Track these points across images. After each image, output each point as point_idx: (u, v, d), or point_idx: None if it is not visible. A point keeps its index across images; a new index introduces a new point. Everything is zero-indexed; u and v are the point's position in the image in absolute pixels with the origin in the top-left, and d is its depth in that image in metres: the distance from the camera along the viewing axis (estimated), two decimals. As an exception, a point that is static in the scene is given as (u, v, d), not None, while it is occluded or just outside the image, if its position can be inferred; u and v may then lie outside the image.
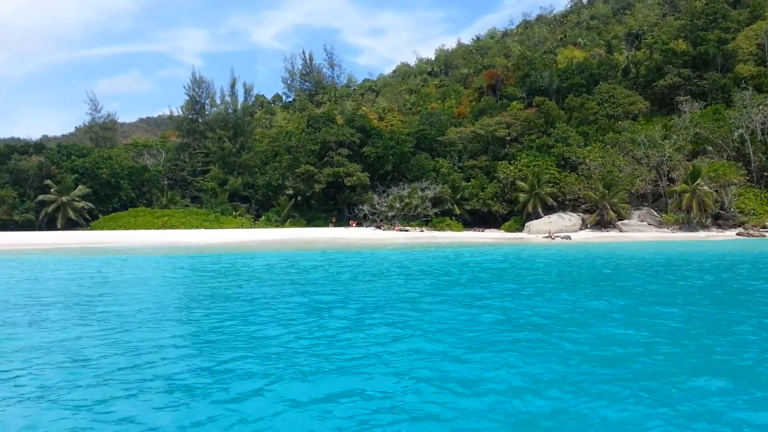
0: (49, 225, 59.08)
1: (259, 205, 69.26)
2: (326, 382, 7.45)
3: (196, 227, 57.91)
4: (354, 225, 60.30)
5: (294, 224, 61.00)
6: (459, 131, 66.84)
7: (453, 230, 55.84)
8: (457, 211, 58.88)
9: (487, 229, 57.43)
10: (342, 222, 62.14)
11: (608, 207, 51.69)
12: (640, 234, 47.30)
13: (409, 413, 6.42)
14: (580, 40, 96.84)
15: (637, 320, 11.65)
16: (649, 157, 54.05)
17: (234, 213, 65.56)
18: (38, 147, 67.71)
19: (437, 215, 58.59)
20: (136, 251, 33.73)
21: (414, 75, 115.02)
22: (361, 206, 60.39)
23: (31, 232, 54.86)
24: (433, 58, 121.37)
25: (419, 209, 57.69)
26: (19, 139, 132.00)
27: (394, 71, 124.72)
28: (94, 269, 23.38)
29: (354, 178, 59.21)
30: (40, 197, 59.00)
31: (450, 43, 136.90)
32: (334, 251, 33.09)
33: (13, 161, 60.79)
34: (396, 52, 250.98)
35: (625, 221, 51.28)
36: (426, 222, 58.09)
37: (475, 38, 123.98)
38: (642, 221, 51.38)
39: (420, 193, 58.30)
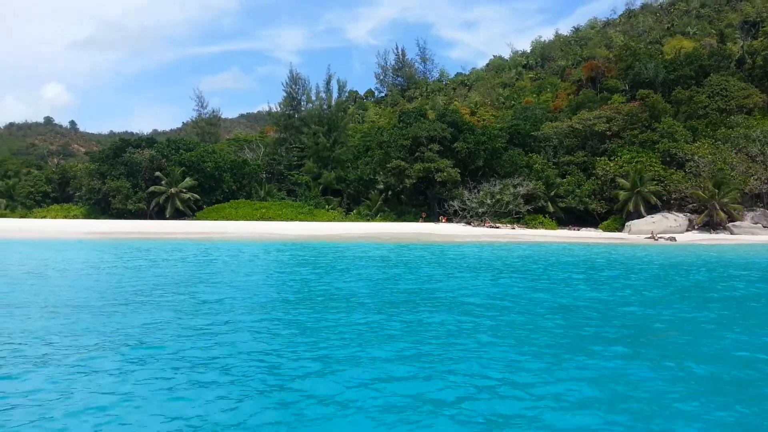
0: (159, 214, 63.48)
1: (351, 199, 70.62)
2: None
3: (291, 219, 60.03)
4: (444, 221, 60.05)
5: (384, 218, 61.67)
6: (555, 126, 64.67)
7: (546, 228, 54.19)
8: (551, 209, 57.07)
9: (583, 228, 55.24)
10: (432, 218, 62.05)
11: (718, 207, 48.09)
12: (753, 237, 43.67)
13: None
14: (689, 29, 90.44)
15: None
16: (765, 154, 49.70)
17: (326, 206, 67.27)
18: (150, 141, 72.80)
19: (529, 212, 57.09)
20: (237, 238, 35.52)
21: (508, 68, 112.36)
22: (451, 202, 59.98)
23: (143, 220, 59.15)
24: (528, 51, 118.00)
25: (511, 206, 56.46)
26: (132, 134, 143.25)
27: (488, 65, 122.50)
28: (220, 254, 24.89)
29: (444, 173, 58.89)
30: (151, 188, 63.48)
31: (547, 35, 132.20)
32: (432, 245, 33.15)
33: (127, 154, 65.65)
34: (489, 45, 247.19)
35: (736, 223, 47.54)
36: (517, 219, 56.76)
37: (574, 29, 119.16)
38: (756, 223, 47.44)
39: (512, 190, 57.03)
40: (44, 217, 63.51)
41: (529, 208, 57.01)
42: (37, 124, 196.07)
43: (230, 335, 9.61)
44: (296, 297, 14.11)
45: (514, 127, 66.47)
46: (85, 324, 10.24)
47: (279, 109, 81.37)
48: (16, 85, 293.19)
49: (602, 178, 55.36)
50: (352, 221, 61.12)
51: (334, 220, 61.96)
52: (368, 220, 61.46)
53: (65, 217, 63.35)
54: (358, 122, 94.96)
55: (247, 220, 58.94)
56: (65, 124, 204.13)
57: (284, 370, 7.69)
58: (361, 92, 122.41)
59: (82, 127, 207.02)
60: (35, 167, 78.95)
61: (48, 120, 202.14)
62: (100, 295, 13.70)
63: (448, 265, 23.30)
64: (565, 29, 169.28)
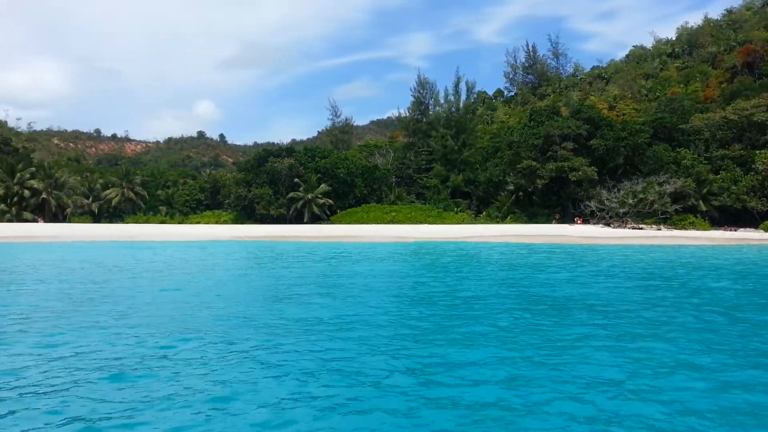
0: (297, 219, 67.17)
1: (480, 201, 69.73)
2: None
3: (421, 222, 60.58)
4: (579, 222, 57.19)
5: (514, 220, 60.10)
6: (706, 117, 59.05)
7: (698, 229, 49.55)
8: (703, 208, 52.18)
9: (741, 229, 49.73)
10: (566, 219, 59.38)
11: None
12: None
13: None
14: None
15: None
16: None
17: (455, 209, 67.00)
18: (289, 150, 77.27)
19: (678, 212, 52.58)
20: (372, 240, 36.48)
21: (651, 58, 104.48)
22: (587, 202, 56.98)
23: (285, 225, 62.93)
24: (673, 38, 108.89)
25: (656, 205, 52.36)
26: (273, 144, 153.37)
27: (627, 55, 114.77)
28: (354, 253, 25.88)
29: (579, 172, 56.11)
30: (290, 194, 67.33)
31: (695, 20, 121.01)
32: (577, 246, 31.69)
33: (269, 163, 70.20)
34: (629, 35, 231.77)
35: None
36: (664, 220, 52.51)
37: (726, 12, 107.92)
38: None
39: (657, 188, 52.88)
40: (198, 222, 69.90)
41: (677, 207, 52.53)
42: (191, 138, 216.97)
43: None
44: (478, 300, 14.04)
45: (659, 120, 61.64)
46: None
47: (407, 114, 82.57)
48: (174, 104, 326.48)
49: (763, 173, 49.56)
50: (482, 223, 60.27)
51: (462, 222, 61.53)
52: (498, 222, 60.26)
53: (216, 222, 69.24)
54: (487, 123, 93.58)
55: (378, 223, 60.41)
56: (215, 137, 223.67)
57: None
58: (490, 92, 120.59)
59: (230, 139, 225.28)
60: (190, 177, 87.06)
61: (200, 134, 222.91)
62: (314, 284, 14.63)
63: (627, 273, 22.03)
64: (715, 13, 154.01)
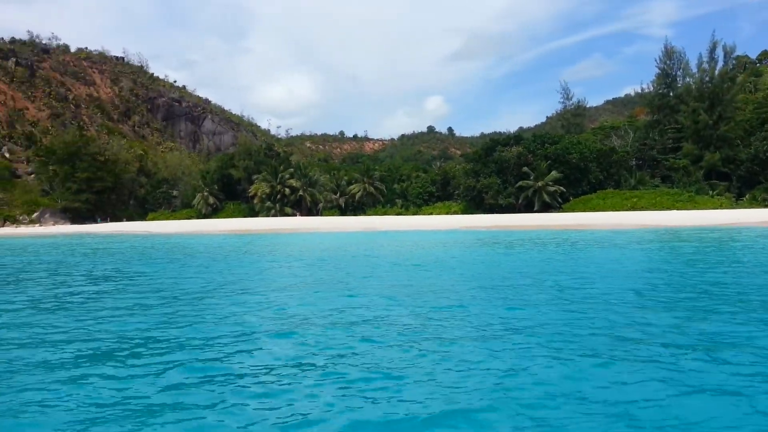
0: (527, 208, 65.67)
1: (742, 182, 59.96)
2: None
3: (668, 208, 54.39)
4: None
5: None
6: None
7: None
8: None
9: None
10: None
11: None
12: None
13: None
14: None
15: None
16: None
17: (711, 192, 58.73)
18: (516, 138, 75.94)
19: None
20: (611, 226, 33.85)
21: None
22: None
23: (513, 214, 62.08)
24: None
25: None
26: (500, 133, 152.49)
27: None
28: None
29: None
30: (519, 183, 66.07)
31: None
32: None
33: (497, 153, 69.86)
34: None
35: None
36: None
37: None
38: None
39: None
40: (430, 213, 72.82)
41: None
42: (421, 133, 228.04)
43: None
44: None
45: None
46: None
47: (650, 88, 74.79)
48: (406, 102, 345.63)
49: None
50: (745, 208, 51.67)
51: (721, 207, 53.56)
52: (767, 206, 51.09)
53: (446, 213, 71.35)
54: (750, 92, 79.91)
55: (616, 210, 55.90)
56: (443, 130, 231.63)
57: None
58: (753, 56, 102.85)
59: (457, 131, 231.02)
60: (422, 171, 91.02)
61: (430, 129, 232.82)
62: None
63: None
64: None
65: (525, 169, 66.00)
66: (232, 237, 40.75)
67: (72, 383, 6.19)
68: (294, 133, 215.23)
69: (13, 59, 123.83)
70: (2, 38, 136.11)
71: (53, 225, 76.45)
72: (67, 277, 17.15)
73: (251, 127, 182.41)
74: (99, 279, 16.27)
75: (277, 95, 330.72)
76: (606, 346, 7.20)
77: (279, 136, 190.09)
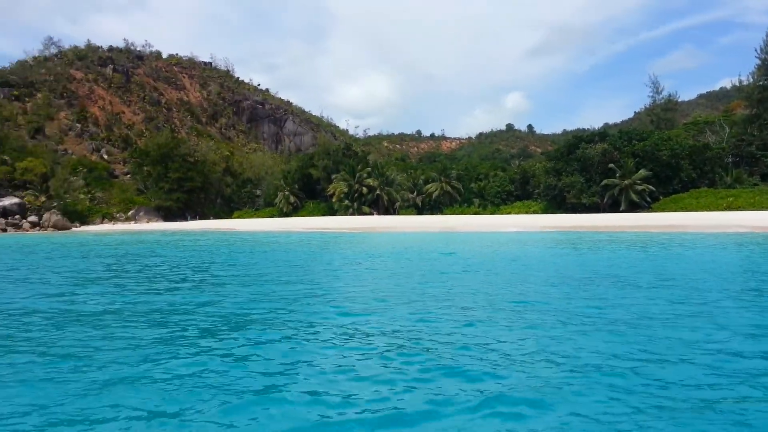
0: (612, 207, 63.03)
1: None
2: None
3: (767, 209, 50.58)
4: None
5: None
6: None
7: None
8: None
9: None
10: None
11: None
12: None
13: None
14: None
15: None
16: None
17: (821, 191, 54.07)
18: (602, 135, 72.99)
19: None
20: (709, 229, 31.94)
21: None
22: None
23: (597, 214, 59.80)
24: None
25: None
26: (583, 130, 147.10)
27: None
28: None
29: None
30: (604, 181, 63.50)
31: None
32: None
33: (580, 150, 67.46)
34: None
35: None
36: None
37: None
38: None
39: None
40: (509, 213, 71.40)
41: None
42: (500, 131, 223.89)
43: None
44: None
45: None
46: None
47: (750, 80, 69.84)
48: (484, 100, 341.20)
49: None
50: None
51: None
52: None
53: (526, 212, 69.71)
54: None
55: (710, 210, 52.56)
56: (523, 128, 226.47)
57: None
58: None
59: (538, 129, 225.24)
60: (500, 169, 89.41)
61: (509, 126, 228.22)
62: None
63: None
64: None
65: (611, 166, 63.36)
66: (325, 234, 41.88)
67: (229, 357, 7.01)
68: (371, 132, 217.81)
69: (111, 66, 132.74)
70: (101, 47, 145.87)
71: (147, 222, 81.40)
72: (210, 264, 18.94)
73: (330, 128, 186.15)
74: (224, 267, 17.20)
75: (355, 95, 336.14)
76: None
77: (357, 136, 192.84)
